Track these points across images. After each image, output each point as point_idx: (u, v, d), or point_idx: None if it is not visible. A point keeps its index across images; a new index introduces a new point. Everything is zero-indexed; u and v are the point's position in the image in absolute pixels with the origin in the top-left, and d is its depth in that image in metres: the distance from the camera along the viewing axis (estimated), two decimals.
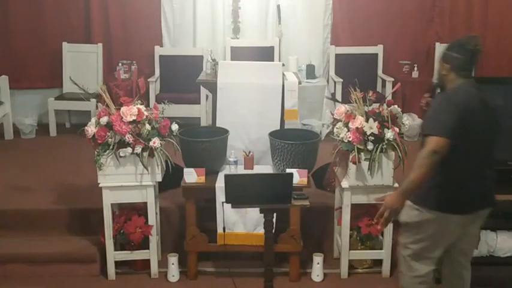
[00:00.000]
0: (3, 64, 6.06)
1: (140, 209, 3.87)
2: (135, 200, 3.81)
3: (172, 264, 3.84)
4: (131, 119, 3.54)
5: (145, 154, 3.59)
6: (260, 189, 2.88)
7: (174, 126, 3.76)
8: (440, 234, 2.83)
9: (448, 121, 2.64)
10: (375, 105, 3.75)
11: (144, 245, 3.83)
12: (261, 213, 2.98)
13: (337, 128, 3.69)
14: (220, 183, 3.65)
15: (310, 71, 5.89)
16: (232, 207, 2.96)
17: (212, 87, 4.27)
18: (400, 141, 3.59)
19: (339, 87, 5.83)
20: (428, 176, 2.64)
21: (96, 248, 3.94)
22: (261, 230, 3.48)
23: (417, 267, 2.92)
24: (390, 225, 3.76)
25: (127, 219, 3.83)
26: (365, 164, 3.63)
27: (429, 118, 2.76)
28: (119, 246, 3.87)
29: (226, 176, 2.85)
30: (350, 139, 3.59)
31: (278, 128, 4.13)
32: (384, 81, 6.09)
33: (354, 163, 3.61)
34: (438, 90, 3.05)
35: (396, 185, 3.70)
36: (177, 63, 6.03)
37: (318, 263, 3.85)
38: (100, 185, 3.69)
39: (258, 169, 3.92)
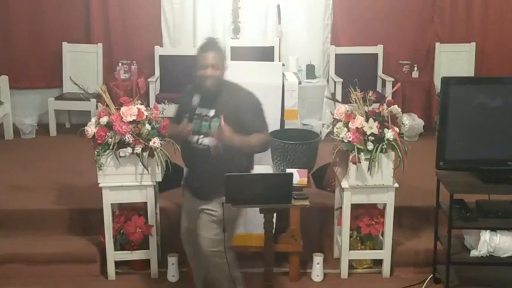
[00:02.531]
0: (3, 64, 6.06)
1: (140, 209, 3.87)
2: (135, 200, 3.81)
3: (172, 264, 3.84)
4: (131, 119, 3.54)
5: (145, 154, 3.59)
6: (260, 189, 2.87)
7: None
8: None
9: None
10: (375, 105, 3.74)
11: (144, 245, 3.82)
12: (261, 213, 2.98)
13: (337, 128, 3.69)
14: None
15: (310, 71, 5.88)
16: (233, 207, 2.96)
17: None
18: (400, 141, 3.58)
19: (339, 87, 5.83)
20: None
21: (96, 248, 3.94)
22: (260, 230, 3.47)
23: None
24: (391, 226, 3.77)
25: (127, 219, 3.82)
26: (365, 164, 3.63)
27: (258, 118, 3.15)
28: (119, 246, 3.87)
29: (226, 176, 2.85)
30: (350, 139, 3.59)
31: (278, 128, 4.12)
32: (384, 81, 6.09)
33: (354, 163, 3.60)
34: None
35: (396, 185, 3.71)
36: (177, 63, 6.02)
37: (318, 263, 3.85)
38: (100, 185, 3.68)
39: (258, 169, 3.91)
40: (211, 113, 3.09)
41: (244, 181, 2.92)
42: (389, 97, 4.09)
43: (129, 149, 3.57)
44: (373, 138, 3.58)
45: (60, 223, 4.13)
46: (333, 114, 3.81)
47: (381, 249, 3.87)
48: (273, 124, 4.10)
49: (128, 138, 3.53)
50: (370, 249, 3.90)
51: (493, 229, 3.50)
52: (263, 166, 4.02)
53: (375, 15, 6.20)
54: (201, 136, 3.09)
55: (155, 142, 3.57)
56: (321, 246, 4.08)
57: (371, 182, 3.67)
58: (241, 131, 3.02)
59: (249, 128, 3.05)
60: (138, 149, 3.58)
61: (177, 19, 6.23)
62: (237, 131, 2.99)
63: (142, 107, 3.63)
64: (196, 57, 3.09)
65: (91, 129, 3.60)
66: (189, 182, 3.28)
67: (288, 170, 3.63)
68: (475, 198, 3.59)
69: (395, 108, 3.69)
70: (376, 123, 3.58)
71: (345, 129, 3.64)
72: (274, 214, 3.15)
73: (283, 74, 4.31)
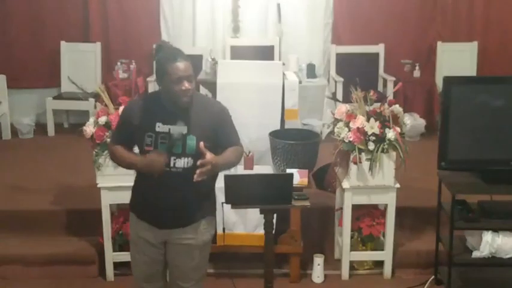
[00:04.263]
0: (1, 63, 6.05)
1: None
2: None
3: None
4: None
5: None
6: (260, 189, 2.85)
7: None
8: None
9: None
10: (376, 105, 3.73)
11: None
12: (261, 213, 2.95)
13: (337, 127, 3.67)
14: (220, 184, 3.61)
15: (311, 70, 5.86)
16: (232, 207, 2.94)
17: (212, 86, 4.25)
18: (401, 141, 3.57)
19: (339, 87, 5.81)
20: None
21: (94, 249, 3.92)
22: (261, 231, 3.45)
23: None
24: (392, 227, 3.75)
25: (126, 220, 3.80)
26: (366, 164, 3.61)
27: (233, 130, 2.81)
28: (118, 247, 3.84)
29: (226, 176, 2.82)
30: (351, 139, 3.57)
31: (278, 128, 4.11)
32: (385, 81, 6.07)
33: (355, 163, 3.59)
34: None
35: (397, 185, 3.68)
36: None
37: (319, 264, 3.83)
38: (98, 186, 3.67)
39: (258, 169, 3.89)
40: (183, 130, 2.63)
41: (244, 181, 2.90)
42: (390, 97, 4.08)
43: None
44: (374, 138, 3.56)
45: (59, 224, 4.11)
46: (333, 114, 3.80)
47: (382, 250, 3.84)
48: (273, 124, 4.09)
49: None
50: (371, 250, 3.88)
51: (495, 230, 3.49)
52: (263, 166, 4.00)
53: (376, 14, 6.19)
54: (173, 158, 2.62)
55: None
56: (322, 247, 4.06)
57: (372, 183, 3.64)
58: (217, 146, 2.70)
59: (226, 142, 2.73)
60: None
61: (177, 18, 6.22)
62: (212, 147, 2.63)
63: None
64: (164, 69, 2.60)
65: (89, 129, 3.59)
66: (152, 211, 2.73)
67: (288, 170, 3.62)
68: (477, 199, 3.57)
69: (397, 108, 3.68)
70: (377, 123, 3.56)
71: (346, 129, 3.62)
72: (275, 215, 3.12)
73: (284, 74, 4.29)
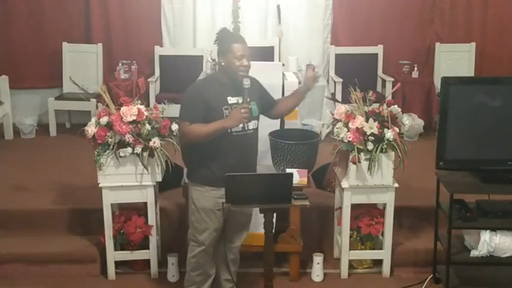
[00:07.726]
0: (3, 64, 6.07)
1: (140, 209, 3.87)
2: (135, 200, 3.81)
3: (172, 264, 3.84)
4: (131, 119, 3.54)
5: (145, 154, 3.59)
6: (260, 189, 2.88)
7: (174, 126, 3.75)
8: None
9: None
10: (375, 105, 3.74)
11: (144, 245, 3.82)
12: (261, 213, 2.98)
13: (337, 128, 3.69)
14: None
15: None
16: (233, 206, 2.96)
17: None
18: (400, 141, 3.58)
19: (339, 87, 5.84)
20: None
21: (96, 248, 3.94)
22: (261, 230, 3.47)
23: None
24: (391, 226, 3.77)
25: (127, 219, 3.83)
26: (365, 164, 3.63)
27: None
28: (119, 246, 3.87)
29: (226, 176, 2.85)
30: (350, 139, 3.59)
31: (278, 128, 4.13)
32: (383, 81, 6.09)
33: (354, 163, 3.60)
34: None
35: (396, 185, 3.71)
36: (177, 63, 6.03)
37: (318, 263, 3.86)
38: (100, 185, 3.69)
39: (258, 169, 3.90)
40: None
41: (244, 181, 2.92)
42: (389, 97, 4.09)
43: (129, 149, 3.57)
44: (373, 138, 3.58)
45: (60, 223, 4.13)
46: (333, 114, 3.82)
47: (381, 249, 3.87)
48: (273, 124, 4.11)
49: (128, 138, 3.54)
50: (370, 249, 3.90)
51: (493, 229, 3.50)
52: (263, 166, 4.02)
53: (375, 15, 6.21)
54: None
55: (155, 142, 3.57)
56: (321, 246, 4.08)
57: (371, 182, 3.67)
58: (264, 106, 3.32)
59: (271, 100, 3.43)
60: (138, 149, 3.58)
61: (177, 19, 6.25)
62: (260, 108, 3.23)
63: (143, 107, 3.63)
64: (228, 47, 3.09)
65: (91, 129, 3.60)
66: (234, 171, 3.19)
67: (288, 170, 3.63)
68: (475, 198, 3.59)
69: (395, 108, 3.70)
70: (376, 123, 3.58)
71: (345, 129, 3.64)
72: (274, 214, 3.15)
73: (283, 74, 4.31)
